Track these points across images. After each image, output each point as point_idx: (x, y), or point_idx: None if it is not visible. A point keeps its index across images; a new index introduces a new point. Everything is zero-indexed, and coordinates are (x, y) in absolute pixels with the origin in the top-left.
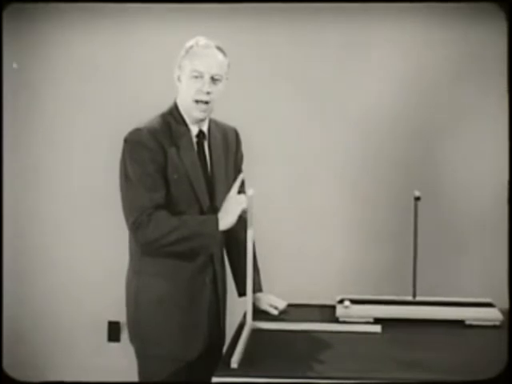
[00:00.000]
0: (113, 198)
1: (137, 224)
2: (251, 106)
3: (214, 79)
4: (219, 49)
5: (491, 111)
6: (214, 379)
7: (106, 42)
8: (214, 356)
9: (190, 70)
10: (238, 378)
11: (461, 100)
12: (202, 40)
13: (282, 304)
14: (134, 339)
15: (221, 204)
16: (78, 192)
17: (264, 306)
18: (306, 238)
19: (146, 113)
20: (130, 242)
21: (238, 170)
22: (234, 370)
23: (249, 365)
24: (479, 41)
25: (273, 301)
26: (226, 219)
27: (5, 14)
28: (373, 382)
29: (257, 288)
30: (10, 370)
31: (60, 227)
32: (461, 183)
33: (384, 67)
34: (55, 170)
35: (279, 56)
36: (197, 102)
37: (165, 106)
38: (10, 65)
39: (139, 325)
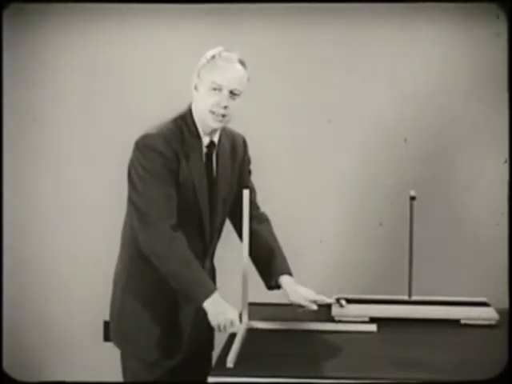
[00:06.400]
0: (112, 201)
1: (156, 238)
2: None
3: (232, 93)
4: (241, 63)
5: (490, 111)
6: (210, 379)
7: (107, 43)
8: (200, 359)
9: (209, 81)
10: (233, 377)
11: (459, 100)
12: (224, 52)
13: (321, 298)
14: (116, 338)
15: (218, 213)
16: (77, 194)
17: (301, 300)
18: (302, 238)
19: (147, 114)
20: (123, 239)
21: (248, 174)
22: (229, 369)
23: (244, 364)
24: (479, 41)
25: (311, 295)
26: (209, 309)
27: (5, 14)
28: (368, 381)
29: (285, 270)
30: (10, 370)
31: (59, 228)
32: (458, 182)
33: (383, 68)
34: (55, 171)
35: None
36: (213, 112)
37: (164, 110)
38: (10, 65)
39: (123, 325)
